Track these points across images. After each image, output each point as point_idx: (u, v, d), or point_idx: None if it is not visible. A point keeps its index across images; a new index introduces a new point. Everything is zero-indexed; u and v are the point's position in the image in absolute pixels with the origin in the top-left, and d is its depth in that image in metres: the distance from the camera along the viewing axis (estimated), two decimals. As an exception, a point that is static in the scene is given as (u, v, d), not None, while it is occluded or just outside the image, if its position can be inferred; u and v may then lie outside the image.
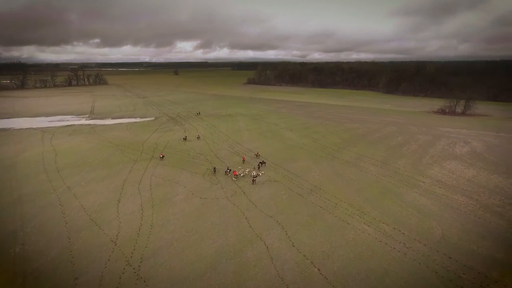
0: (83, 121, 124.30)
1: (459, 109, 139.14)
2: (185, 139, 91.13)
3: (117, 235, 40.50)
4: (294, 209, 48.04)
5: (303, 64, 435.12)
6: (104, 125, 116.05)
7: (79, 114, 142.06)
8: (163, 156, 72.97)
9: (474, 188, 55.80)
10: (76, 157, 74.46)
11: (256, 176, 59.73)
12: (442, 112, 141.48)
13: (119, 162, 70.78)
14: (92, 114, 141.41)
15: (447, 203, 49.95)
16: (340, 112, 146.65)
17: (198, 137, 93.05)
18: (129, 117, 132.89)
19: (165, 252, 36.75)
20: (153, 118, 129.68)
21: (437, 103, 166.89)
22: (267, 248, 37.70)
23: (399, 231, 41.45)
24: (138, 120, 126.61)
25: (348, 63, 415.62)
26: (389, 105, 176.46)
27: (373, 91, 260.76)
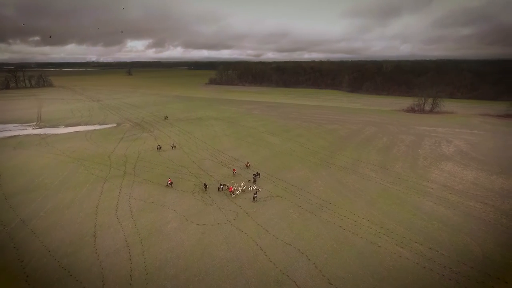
0: (30, 131, 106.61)
1: (427, 107, 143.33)
2: (159, 148, 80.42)
3: (102, 289, 30.85)
4: (312, 231, 41.57)
5: (265, 64, 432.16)
6: (57, 134, 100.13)
7: (23, 122, 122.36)
8: (171, 183, 57.07)
9: (483, 192, 53.81)
10: (28, 177, 60.99)
11: (257, 192, 52.32)
12: (412, 110, 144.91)
13: (84, 181, 58.94)
14: (40, 122, 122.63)
15: (467, 212, 46.86)
16: (314, 113, 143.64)
17: (173, 146, 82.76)
18: (86, 124, 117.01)
19: (175, 311, 28.13)
20: (114, 125, 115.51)
21: (402, 101, 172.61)
22: (301, 290, 30.72)
23: (437, 251, 36.84)
24: (97, 127, 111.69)
25: (307, 62, 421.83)
26: (359, 104, 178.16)
27: (337, 90, 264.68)
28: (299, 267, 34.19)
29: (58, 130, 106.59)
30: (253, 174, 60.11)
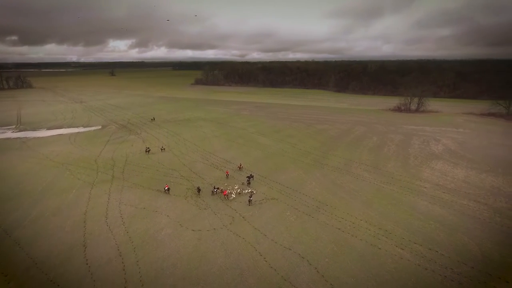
0: (9, 134, 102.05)
1: (413, 106, 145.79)
2: (147, 151, 78.11)
3: (95, 303, 29.08)
4: (310, 234, 40.83)
5: (251, 64, 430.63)
6: (38, 138, 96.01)
7: (2, 125, 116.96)
8: (168, 188, 54.13)
9: (475, 191, 54.52)
10: (9, 183, 57.89)
11: (252, 195, 51.21)
12: (398, 109, 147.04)
13: (70, 187, 56.34)
14: (19, 125, 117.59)
15: (461, 210, 47.25)
16: (303, 113, 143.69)
17: (163, 149, 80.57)
18: (69, 127, 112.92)
19: (175, 324, 26.73)
20: (99, 127, 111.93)
21: (388, 101, 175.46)
22: (305, 296, 29.87)
23: (436, 252, 36.76)
24: (81, 130, 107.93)
25: (293, 62, 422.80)
26: (346, 104, 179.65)
27: (324, 90, 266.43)
28: (301, 272, 33.35)
29: (40, 133, 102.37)
30: (247, 177, 58.95)
